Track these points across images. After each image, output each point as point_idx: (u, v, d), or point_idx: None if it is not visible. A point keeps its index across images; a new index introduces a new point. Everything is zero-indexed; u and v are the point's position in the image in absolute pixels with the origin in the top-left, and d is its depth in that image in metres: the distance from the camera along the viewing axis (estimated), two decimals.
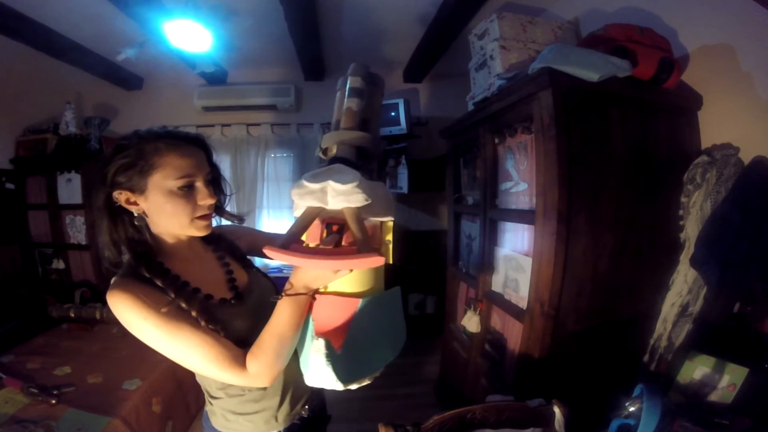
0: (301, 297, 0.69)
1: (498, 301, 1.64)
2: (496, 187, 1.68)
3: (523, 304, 1.44)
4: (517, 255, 1.53)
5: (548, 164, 1.25)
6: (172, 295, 0.69)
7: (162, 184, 0.70)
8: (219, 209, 0.84)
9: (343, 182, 0.59)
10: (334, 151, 0.70)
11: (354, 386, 0.72)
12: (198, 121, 3.21)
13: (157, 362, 2.03)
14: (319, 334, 0.68)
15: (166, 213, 0.72)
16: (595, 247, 1.29)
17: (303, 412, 0.93)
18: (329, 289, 0.71)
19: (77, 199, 2.80)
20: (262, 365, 0.70)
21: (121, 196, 0.71)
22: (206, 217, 0.77)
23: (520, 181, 1.51)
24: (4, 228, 2.79)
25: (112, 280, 0.71)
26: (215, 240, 0.89)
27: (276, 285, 0.94)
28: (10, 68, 2.61)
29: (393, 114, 2.96)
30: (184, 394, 2.07)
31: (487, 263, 1.73)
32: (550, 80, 1.21)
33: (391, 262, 0.70)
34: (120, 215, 0.73)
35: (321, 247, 0.65)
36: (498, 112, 1.56)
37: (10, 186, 2.84)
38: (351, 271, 0.66)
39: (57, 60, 2.51)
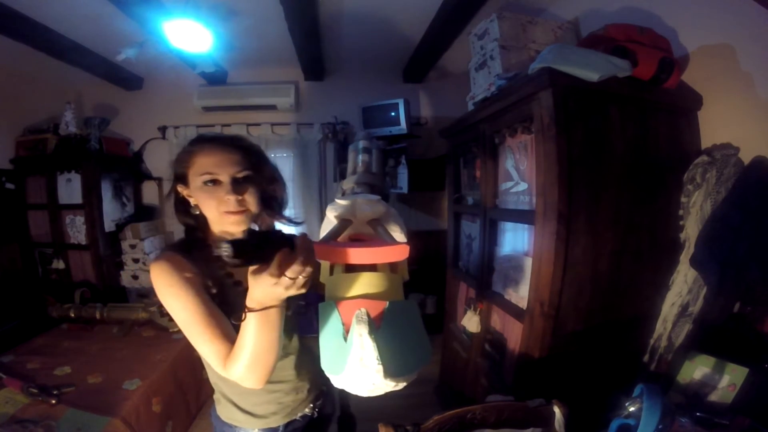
0: (269, 311, 0.68)
1: (498, 301, 1.64)
2: (496, 187, 1.68)
3: (523, 304, 1.44)
4: (517, 255, 1.53)
5: (548, 164, 1.25)
6: (209, 281, 0.78)
7: (194, 180, 0.80)
8: (270, 210, 0.89)
9: (368, 199, 0.77)
10: (354, 188, 0.90)
11: (392, 383, 0.63)
12: (198, 121, 3.21)
13: (157, 362, 2.03)
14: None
15: (202, 206, 0.82)
16: (595, 247, 1.29)
17: (307, 410, 0.96)
18: (354, 294, 0.70)
19: (77, 199, 2.80)
20: (238, 372, 0.72)
21: (184, 191, 0.84)
22: (235, 213, 0.79)
23: (520, 181, 1.51)
24: (4, 228, 2.78)
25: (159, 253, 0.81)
26: None
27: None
28: (10, 68, 2.61)
29: (393, 114, 2.95)
30: (184, 394, 2.07)
31: (487, 263, 1.73)
32: (550, 80, 1.21)
33: (408, 278, 0.78)
34: (183, 204, 0.86)
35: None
36: (498, 112, 1.56)
37: (10, 186, 2.83)
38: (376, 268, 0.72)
39: (57, 60, 2.51)
